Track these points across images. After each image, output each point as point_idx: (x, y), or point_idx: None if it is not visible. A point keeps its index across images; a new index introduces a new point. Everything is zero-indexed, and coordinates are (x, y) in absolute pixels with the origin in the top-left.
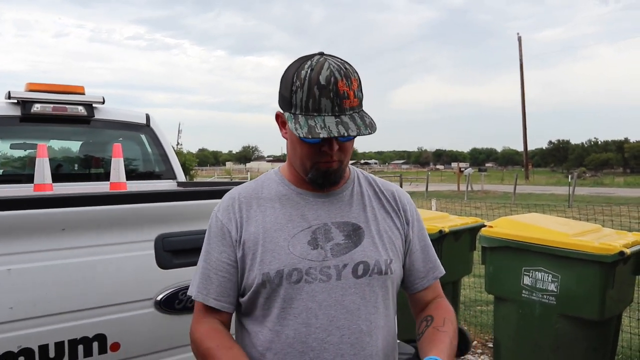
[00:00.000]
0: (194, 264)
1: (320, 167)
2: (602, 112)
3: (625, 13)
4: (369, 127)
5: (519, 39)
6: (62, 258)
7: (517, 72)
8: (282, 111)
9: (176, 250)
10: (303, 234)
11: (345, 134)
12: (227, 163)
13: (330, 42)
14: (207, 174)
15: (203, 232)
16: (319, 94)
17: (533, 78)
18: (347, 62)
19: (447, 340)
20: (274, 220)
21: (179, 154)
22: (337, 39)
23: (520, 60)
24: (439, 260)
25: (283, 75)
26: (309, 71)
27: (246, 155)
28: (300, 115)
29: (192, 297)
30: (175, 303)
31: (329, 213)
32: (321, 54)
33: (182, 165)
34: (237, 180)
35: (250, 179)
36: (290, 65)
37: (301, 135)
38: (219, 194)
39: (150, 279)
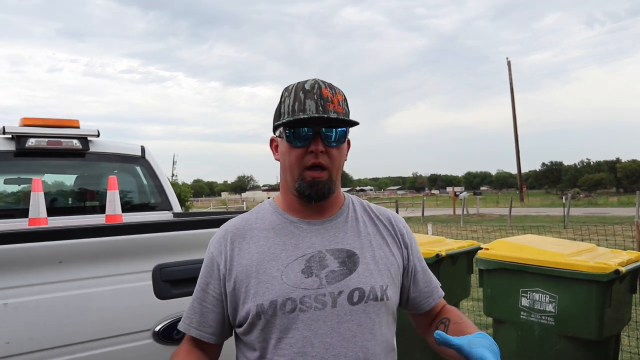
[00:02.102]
0: (192, 293)
1: (306, 177)
2: (593, 133)
3: (610, 36)
4: (351, 119)
5: (509, 64)
6: (59, 291)
7: (508, 95)
8: (274, 136)
9: (174, 280)
10: (297, 262)
11: (326, 116)
12: (222, 193)
13: (322, 70)
14: (203, 204)
15: (200, 262)
16: (304, 97)
17: (524, 101)
18: (334, 84)
19: (473, 326)
20: (267, 251)
21: (174, 185)
22: (329, 68)
23: (511, 84)
24: (437, 281)
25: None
26: (296, 84)
27: (241, 185)
28: (288, 117)
29: (178, 327)
30: (173, 333)
31: (323, 240)
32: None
33: (177, 197)
34: (232, 210)
35: (247, 209)
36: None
37: (285, 119)
38: (215, 224)
39: (148, 309)
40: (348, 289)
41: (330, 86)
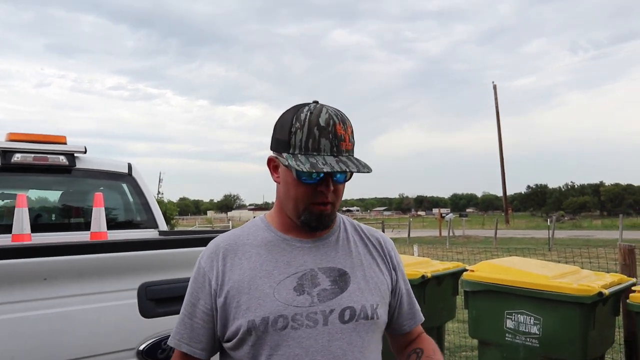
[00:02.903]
0: (178, 312)
1: (313, 210)
2: (577, 157)
3: (593, 63)
4: (366, 167)
5: (494, 87)
6: (43, 308)
7: (494, 118)
8: (275, 155)
9: (159, 299)
10: (289, 280)
11: (347, 170)
12: (208, 212)
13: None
14: (188, 222)
15: (187, 280)
16: (319, 134)
17: (510, 124)
18: (341, 111)
19: None
20: (259, 267)
21: (159, 203)
22: (318, 89)
23: (497, 107)
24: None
25: (278, 121)
26: (308, 114)
27: (227, 204)
28: (300, 155)
29: (168, 343)
30: (158, 352)
31: (315, 258)
32: (316, 102)
33: (163, 214)
34: (218, 229)
35: (232, 228)
36: (287, 111)
37: (304, 170)
38: (202, 242)
39: (133, 328)
40: (339, 307)
41: (343, 120)
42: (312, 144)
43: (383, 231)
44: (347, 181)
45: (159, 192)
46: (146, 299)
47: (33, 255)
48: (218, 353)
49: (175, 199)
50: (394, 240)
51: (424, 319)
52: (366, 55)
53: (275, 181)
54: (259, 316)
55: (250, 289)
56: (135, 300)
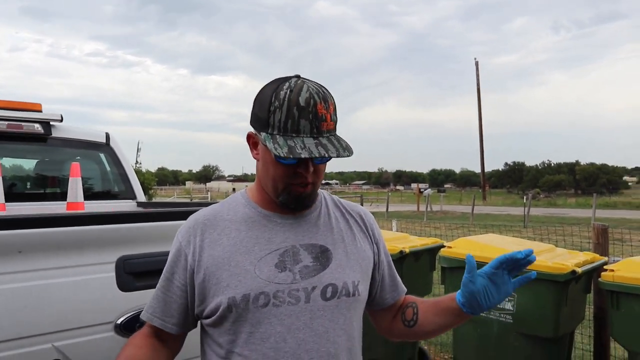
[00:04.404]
0: (156, 286)
1: (292, 191)
2: (555, 136)
3: (574, 42)
4: (347, 149)
5: (476, 64)
6: (18, 281)
7: (475, 95)
8: (254, 132)
9: (138, 273)
10: (270, 256)
11: (326, 155)
12: (187, 182)
13: (294, 63)
14: (167, 193)
15: (165, 254)
16: (298, 115)
17: (490, 101)
18: (324, 87)
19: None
20: (239, 244)
21: (137, 172)
22: (300, 61)
23: (478, 84)
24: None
25: (258, 96)
26: (288, 92)
27: (206, 175)
28: (278, 136)
29: (140, 316)
30: (136, 327)
31: (297, 235)
32: (298, 76)
33: (141, 185)
34: (197, 200)
35: (210, 199)
36: (266, 86)
37: (282, 155)
38: (181, 216)
39: (111, 302)
40: (321, 284)
41: (324, 98)
42: (292, 124)
43: (361, 205)
44: (328, 160)
45: (137, 162)
46: (124, 272)
47: (7, 227)
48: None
49: (153, 169)
50: (373, 214)
51: (406, 289)
52: (350, 27)
53: (255, 158)
54: (240, 293)
55: (230, 265)
56: (113, 274)
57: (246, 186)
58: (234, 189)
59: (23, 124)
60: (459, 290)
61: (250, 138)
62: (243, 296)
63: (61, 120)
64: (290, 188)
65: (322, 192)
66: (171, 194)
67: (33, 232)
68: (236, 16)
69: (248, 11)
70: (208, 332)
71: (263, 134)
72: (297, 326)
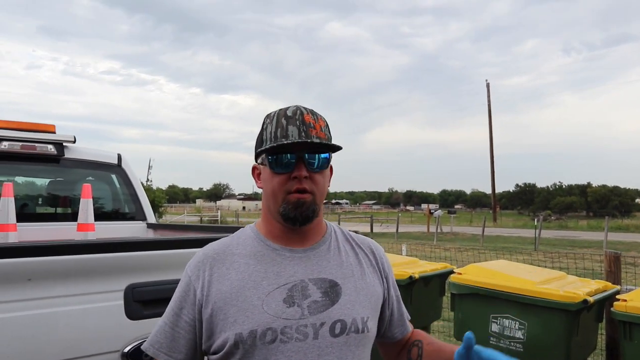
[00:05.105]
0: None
1: (291, 199)
2: (566, 157)
3: (585, 64)
4: (334, 145)
5: (487, 86)
6: (27, 309)
7: (486, 116)
8: (257, 163)
9: (146, 301)
10: (278, 291)
11: (308, 141)
12: (197, 200)
13: (305, 83)
14: (177, 210)
15: (174, 282)
16: (286, 122)
17: (501, 123)
18: (315, 110)
19: (449, 344)
20: (247, 278)
21: (148, 190)
22: (311, 81)
23: (489, 106)
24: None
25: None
26: (277, 110)
27: (217, 193)
28: (270, 144)
29: (143, 349)
30: (143, 355)
31: (306, 269)
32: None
33: (151, 202)
34: (206, 220)
35: (220, 217)
36: None
37: (268, 145)
38: (190, 244)
39: (118, 330)
40: (330, 320)
41: (312, 112)
42: (281, 132)
43: (371, 226)
44: (324, 168)
45: (148, 179)
46: (133, 300)
47: (17, 255)
48: None
49: (164, 186)
50: (382, 235)
51: (412, 327)
52: (361, 48)
53: (259, 187)
54: (247, 329)
55: (238, 300)
56: (122, 302)
57: (256, 205)
58: (244, 207)
59: (36, 144)
60: (457, 350)
61: (254, 170)
62: (250, 332)
63: (74, 142)
64: (289, 197)
65: (332, 225)
66: (181, 212)
67: (43, 260)
68: (249, 36)
69: (260, 31)
70: None
71: (259, 151)
72: None
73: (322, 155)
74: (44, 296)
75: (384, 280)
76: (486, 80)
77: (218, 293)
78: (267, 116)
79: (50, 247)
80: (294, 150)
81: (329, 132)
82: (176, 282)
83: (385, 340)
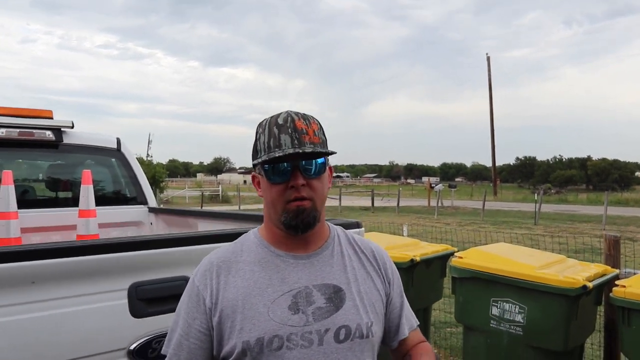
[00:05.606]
0: (168, 311)
1: (290, 208)
2: (566, 130)
3: (587, 37)
4: (327, 152)
5: (488, 59)
6: (32, 312)
7: (486, 89)
8: (255, 172)
9: (150, 299)
10: (283, 298)
11: (300, 151)
12: (198, 174)
13: (304, 56)
14: (177, 185)
15: (177, 280)
16: (278, 131)
17: (502, 96)
18: (308, 114)
19: None
20: (253, 285)
21: (148, 165)
22: (310, 53)
23: (489, 79)
24: (412, 312)
25: None
26: (269, 119)
27: (217, 167)
28: (265, 156)
29: (167, 358)
30: (148, 352)
31: (310, 275)
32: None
33: (152, 178)
34: (207, 198)
35: (222, 191)
36: None
37: (262, 157)
38: (193, 241)
39: (124, 328)
40: (335, 326)
41: (304, 117)
42: (274, 142)
43: (372, 201)
44: (322, 173)
45: (148, 155)
46: (136, 298)
47: (21, 259)
48: None
49: (164, 161)
50: (383, 209)
51: (417, 323)
52: (360, 20)
53: (260, 196)
54: (254, 337)
55: (245, 308)
56: (126, 301)
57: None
58: (244, 181)
59: (34, 131)
60: None
61: (254, 179)
62: (257, 340)
63: (72, 127)
64: (288, 206)
65: (336, 229)
66: (182, 187)
67: (46, 263)
68: (247, 8)
69: (259, 3)
70: None
71: (255, 162)
72: None
73: (319, 161)
74: (48, 298)
75: (387, 285)
76: (487, 54)
77: (225, 301)
78: (260, 125)
79: (54, 250)
80: (289, 159)
81: (324, 135)
82: (178, 279)
83: (386, 343)
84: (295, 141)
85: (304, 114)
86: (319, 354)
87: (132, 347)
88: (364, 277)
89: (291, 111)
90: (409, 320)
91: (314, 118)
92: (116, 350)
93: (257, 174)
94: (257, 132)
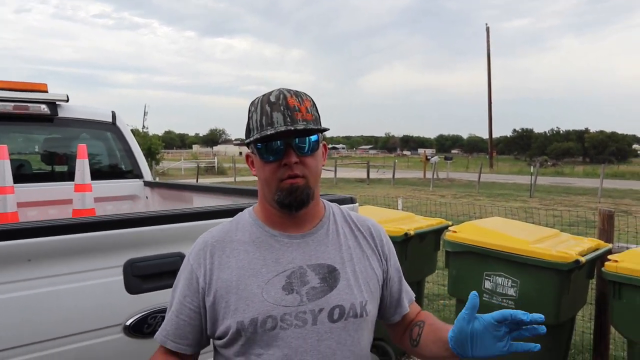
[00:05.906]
0: (163, 287)
1: (284, 186)
2: (564, 103)
3: (588, 7)
4: (320, 128)
5: (487, 30)
6: (28, 289)
7: (485, 60)
8: (249, 151)
9: (145, 275)
10: (277, 278)
11: (292, 129)
12: (193, 146)
13: (301, 26)
14: (173, 157)
15: (172, 256)
16: (270, 109)
17: (500, 67)
18: (300, 90)
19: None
20: (247, 266)
21: (144, 137)
22: (307, 23)
23: (488, 51)
24: (408, 286)
25: None
26: (261, 97)
27: (213, 138)
28: (257, 134)
29: (154, 338)
30: (144, 327)
31: (304, 255)
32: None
33: (147, 149)
34: (203, 170)
35: (217, 163)
36: None
37: (254, 138)
38: (188, 218)
39: (119, 304)
40: (329, 306)
41: (297, 94)
42: (266, 120)
43: (368, 172)
44: (315, 150)
45: (144, 126)
46: (132, 275)
47: (17, 237)
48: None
49: (160, 132)
50: (379, 181)
51: (414, 296)
52: None
53: (254, 175)
54: (248, 317)
55: (239, 288)
56: (121, 277)
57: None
58: (240, 153)
59: (29, 105)
60: (461, 312)
61: (248, 158)
62: (251, 320)
63: (67, 100)
64: (282, 184)
65: (331, 206)
66: (178, 158)
67: (42, 241)
68: None
69: None
70: (220, 352)
71: (248, 141)
72: (305, 349)
73: (312, 138)
74: (44, 275)
75: (384, 262)
76: (486, 24)
77: (219, 281)
78: (252, 103)
79: (49, 227)
80: (282, 136)
81: (317, 112)
82: (174, 255)
83: (384, 321)
84: (288, 119)
85: (296, 91)
86: (312, 333)
87: (128, 323)
88: (359, 255)
89: (283, 88)
90: (408, 294)
91: (306, 95)
92: (112, 326)
93: (250, 154)
94: (249, 111)
